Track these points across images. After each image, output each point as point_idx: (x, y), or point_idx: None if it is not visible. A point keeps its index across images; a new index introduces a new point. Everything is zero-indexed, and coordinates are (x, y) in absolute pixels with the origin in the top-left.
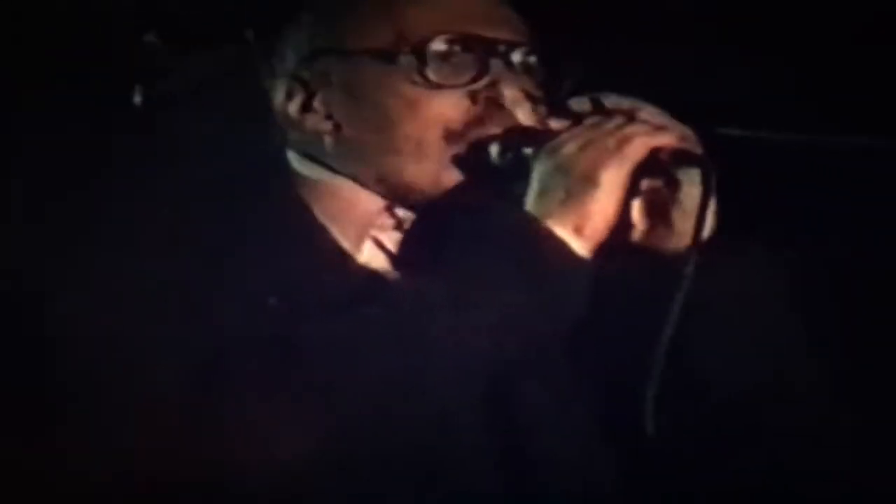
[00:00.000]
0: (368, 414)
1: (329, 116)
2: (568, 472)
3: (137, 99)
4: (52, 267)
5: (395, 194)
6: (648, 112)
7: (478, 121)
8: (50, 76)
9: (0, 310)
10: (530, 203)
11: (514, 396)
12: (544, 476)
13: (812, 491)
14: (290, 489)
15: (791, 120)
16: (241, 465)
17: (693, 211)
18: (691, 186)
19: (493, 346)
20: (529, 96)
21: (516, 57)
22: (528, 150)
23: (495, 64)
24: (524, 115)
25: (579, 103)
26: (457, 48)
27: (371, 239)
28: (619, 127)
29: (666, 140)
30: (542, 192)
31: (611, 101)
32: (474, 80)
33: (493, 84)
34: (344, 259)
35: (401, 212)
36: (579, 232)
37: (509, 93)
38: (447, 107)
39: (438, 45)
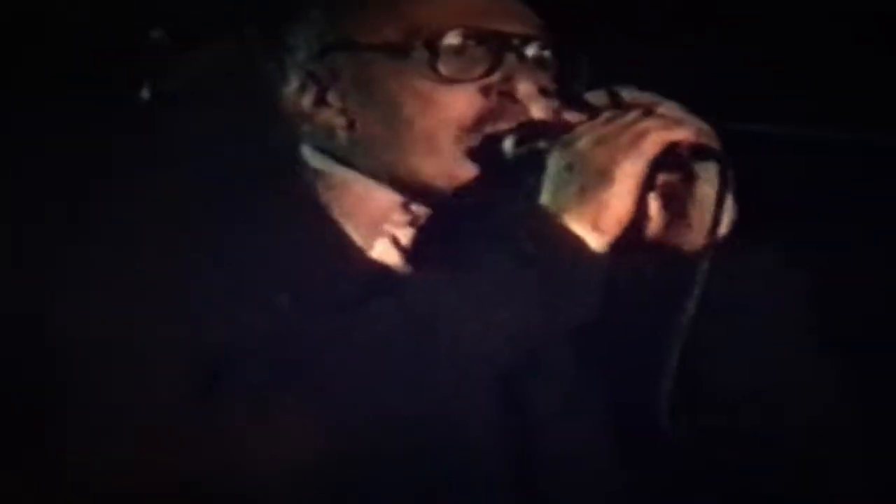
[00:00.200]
0: (379, 413)
1: (343, 111)
2: (580, 472)
3: (145, 95)
4: (53, 267)
5: (408, 189)
6: (667, 107)
7: (491, 115)
8: (53, 75)
9: (0, 310)
10: (545, 197)
11: (527, 394)
12: (557, 475)
13: (826, 493)
14: (299, 490)
15: (802, 117)
16: (249, 467)
17: (711, 207)
18: (708, 181)
19: (506, 343)
20: (543, 90)
21: (530, 51)
22: (542, 145)
23: (509, 58)
24: (538, 110)
25: (597, 97)
26: (470, 42)
27: (385, 235)
28: (635, 121)
29: (682, 134)
30: (557, 187)
31: (629, 95)
32: (487, 74)
33: (507, 78)
34: (356, 255)
35: (415, 207)
36: (594, 227)
37: (523, 87)
38: (460, 101)
39: (452, 40)
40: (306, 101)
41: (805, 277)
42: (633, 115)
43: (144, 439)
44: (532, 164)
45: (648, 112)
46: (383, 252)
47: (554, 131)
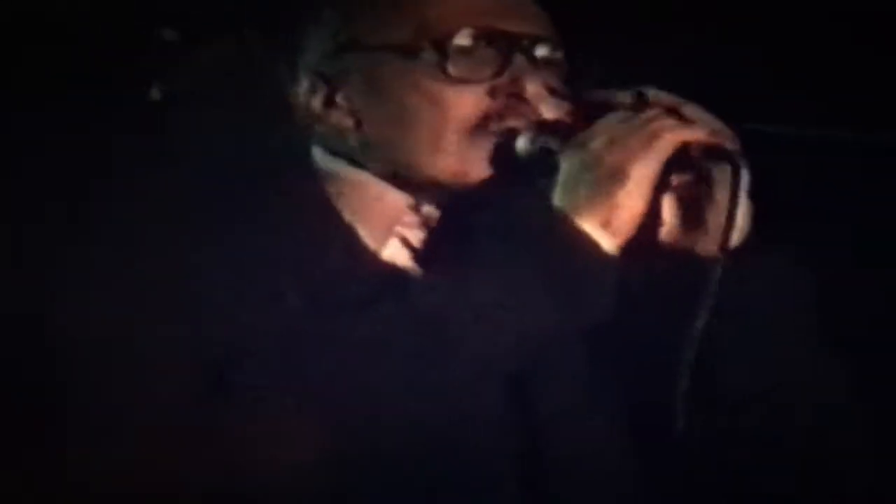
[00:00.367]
0: (388, 414)
1: (352, 112)
2: (592, 474)
3: (156, 95)
4: (53, 267)
5: (419, 190)
6: (690, 109)
7: (500, 116)
8: (53, 75)
9: (0, 310)
10: (557, 198)
11: (538, 395)
12: (568, 477)
13: (838, 493)
14: (307, 491)
15: (802, 117)
16: (250, 468)
17: (725, 211)
18: (723, 185)
19: (517, 344)
20: (553, 91)
21: (540, 51)
22: (554, 145)
23: (518, 59)
24: (548, 110)
25: (622, 97)
26: (480, 43)
27: (396, 236)
28: (649, 121)
29: (696, 135)
30: (570, 187)
31: (653, 95)
32: (496, 75)
33: (516, 79)
34: (365, 256)
35: (426, 208)
36: (607, 227)
37: (532, 88)
38: (469, 102)
39: (461, 40)
40: (316, 102)
41: (815, 279)
42: (645, 115)
43: (145, 439)
44: (544, 165)
45: (667, 113)
46: (394, 253)
47: (566, 131)
